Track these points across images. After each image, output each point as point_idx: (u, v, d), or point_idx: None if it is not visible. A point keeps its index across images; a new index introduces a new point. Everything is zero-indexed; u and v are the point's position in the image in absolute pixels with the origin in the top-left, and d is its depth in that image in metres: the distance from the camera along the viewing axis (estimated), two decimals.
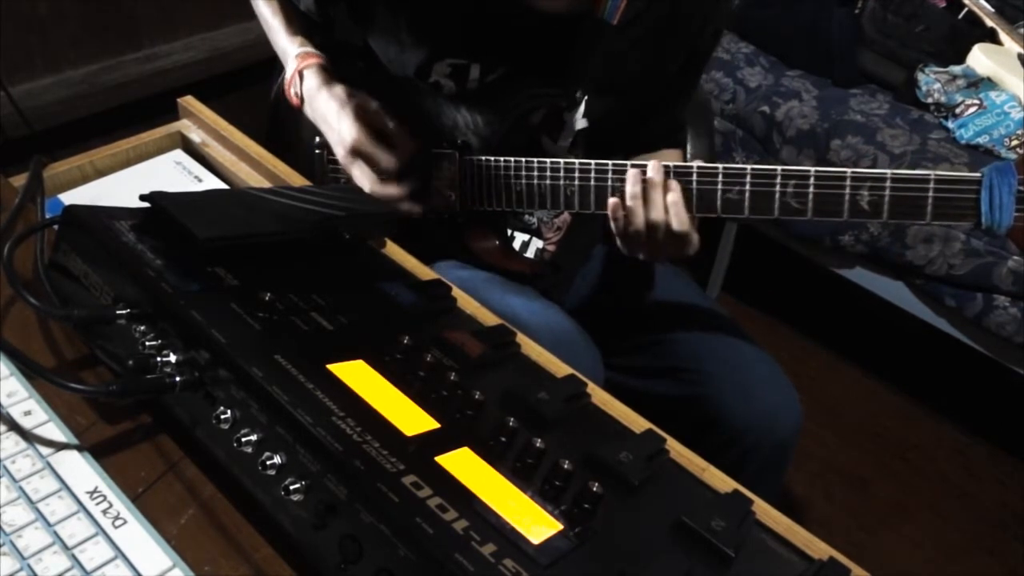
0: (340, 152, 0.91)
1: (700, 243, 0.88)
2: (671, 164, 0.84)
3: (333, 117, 0.90)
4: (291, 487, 0.45)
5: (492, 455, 0.50)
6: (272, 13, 1.01)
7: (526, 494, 0.47)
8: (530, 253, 1.03)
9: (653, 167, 0.84)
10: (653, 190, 0.83)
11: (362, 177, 0.89)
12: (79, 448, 0.52)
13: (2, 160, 1.05)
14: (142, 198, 0.61)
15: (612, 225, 0.87)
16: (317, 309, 0.58)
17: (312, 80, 0.94)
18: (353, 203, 0.75)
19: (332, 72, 0.96)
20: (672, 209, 0.83)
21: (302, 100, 0.96)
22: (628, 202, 0.84)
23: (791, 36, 1.88)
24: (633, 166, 0.85)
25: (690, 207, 0.84)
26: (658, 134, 1.06)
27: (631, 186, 0.84)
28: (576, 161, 0.87)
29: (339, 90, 0.92)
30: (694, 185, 0.84)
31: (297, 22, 1.00)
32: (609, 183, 0.86)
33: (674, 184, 0.83)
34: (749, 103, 1.83)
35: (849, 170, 0.78)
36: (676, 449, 0.61)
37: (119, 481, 0.50)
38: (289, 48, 0.98)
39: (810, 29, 1.85)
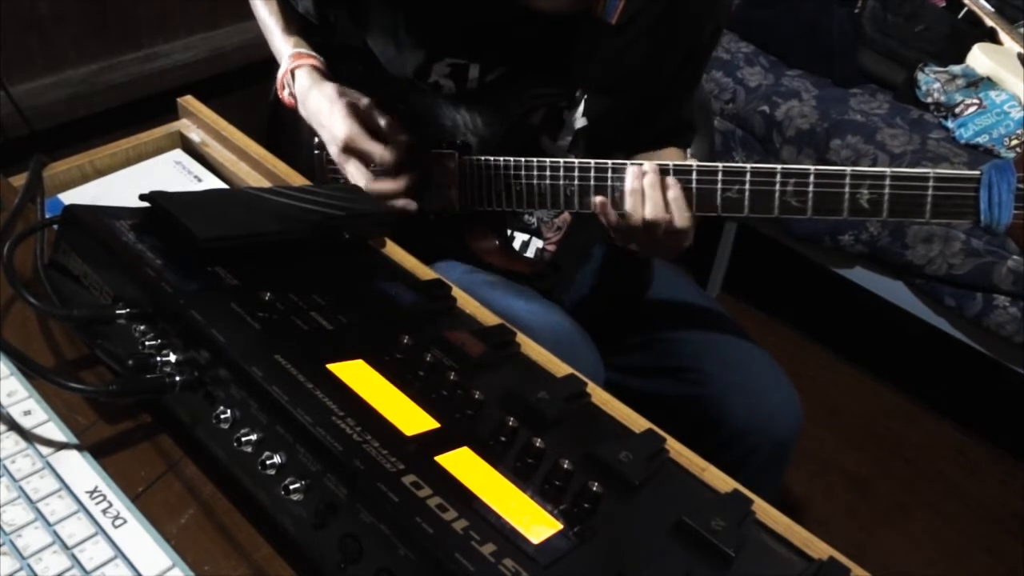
0: (334, 150, 0.91)
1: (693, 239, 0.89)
2: (670, 163, 0.84)
3: (325, 116, 0.90)
4: (291, 487, 0.45)
5: (492, 455, 0.50)
6: (269, 13, 1.01)
7: (526, 494, 0.47)
8: (530, 253, 1.03)
9: (650, 165, 0.84)
10: (651, 187, 0.84)
11: (357, 174, 0.89)
12: (79, 448, 0.52)
13: (2, 160, 1.05)
14: (142, 198, 0.61)
15: (602, 220, 0.87)
16: (317, 309, 0.58)
17: (304, 79, 0.94)
18: (353, 203, 0.75)
19: (325, 72, 0.96)
20: (673, 205, 0.84)
21: (295, 100, 0.96)
22: (627, 198, 0.85)
23: (791, 36, 1.88)
24: (633, 164, 0.85)
25: (690, 206, 0.84)
26: (663, 132, 1.06)
27: (629, 182, 0.85)
28: (576, 161, 0.87)
29: (329, 88, 0.92)
30: (694, 184, 0.84)
31: (295, 23, 1.00)
32: (609, 182, 0.86)
33: (672, 181, 0.84)
34: (749, 103, 1.83)
35: (849, 168, 0.78)
36: (676, 449, 0.61)
37: (119, 481, 0.50)
38: (284, 48, 0.98)
39: (810, 29, 1.85)
